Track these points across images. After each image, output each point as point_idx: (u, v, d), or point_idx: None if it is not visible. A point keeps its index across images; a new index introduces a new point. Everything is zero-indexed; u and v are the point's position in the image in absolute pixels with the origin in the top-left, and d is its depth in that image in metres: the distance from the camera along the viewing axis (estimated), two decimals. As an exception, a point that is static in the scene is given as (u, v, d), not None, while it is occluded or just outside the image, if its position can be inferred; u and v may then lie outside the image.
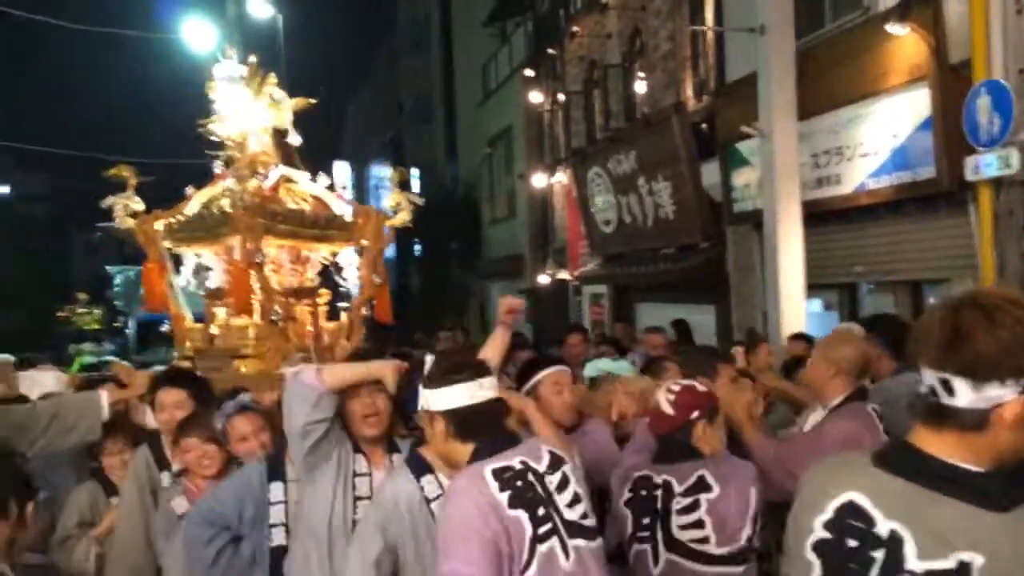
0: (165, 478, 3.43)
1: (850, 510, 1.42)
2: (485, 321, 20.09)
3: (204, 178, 5.28)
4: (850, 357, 3.30)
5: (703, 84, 11.02)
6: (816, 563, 1.44)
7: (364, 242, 5.24)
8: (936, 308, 1.43)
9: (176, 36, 12.81)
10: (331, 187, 5.35)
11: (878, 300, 8.21)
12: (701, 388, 2.89)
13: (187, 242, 5.09)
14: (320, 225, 5.05)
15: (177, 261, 5.23)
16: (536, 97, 16.70)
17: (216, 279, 5.15)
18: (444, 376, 2.26)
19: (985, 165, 5.94)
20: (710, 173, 10.02)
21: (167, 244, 5.08)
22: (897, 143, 7.02)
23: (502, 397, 2.36)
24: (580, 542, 2.15)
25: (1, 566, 1.83)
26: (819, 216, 7.97)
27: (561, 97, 15.99)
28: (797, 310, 7.71)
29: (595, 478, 2.88)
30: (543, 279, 17.18)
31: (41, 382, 5.29)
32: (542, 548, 2.07)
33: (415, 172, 24.99)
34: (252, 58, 5.06)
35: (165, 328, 6.40)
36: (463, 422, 2.22)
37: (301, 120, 5.21)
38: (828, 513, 1.44)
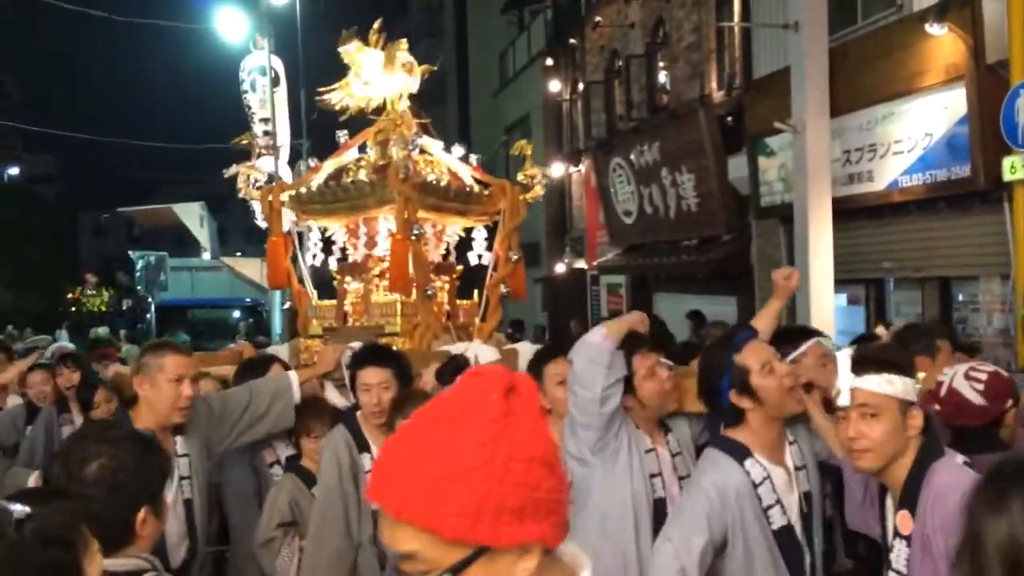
0: (366, 460, 3.16)
1: None
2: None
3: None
4: None
5: (729, 78, 11.05)
6: None
7: (498, 217, 4.93)
8: None
9: (204, 26, 12.86)
10: (465, 158, 5.04)
11: (905, 295, 8.31)
12: (1004, 373, 2.64)
13: (317, 214, 4.77)
14: (461, 198, 4.76)
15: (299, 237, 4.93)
16: (555, 86, 16.74)
17: (355, 253, 4.82)
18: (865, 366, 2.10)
19: (1023, 165, 6.01)
20: (735, 166, 10.10)
21: (292, 217, 4.80)
22: (931, 141, 7.10)
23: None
24: None
25: (153, 560, 1.91)
26: (849, 212, 8.05)
27: (581, 86, 16.03)
28: (826, 304, 7.78)
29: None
30: (560, 268, 17.27)
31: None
32: None
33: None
34: (376, 23, 4.66)
35: (287, 306, 6.00)
36: None
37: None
38: None
